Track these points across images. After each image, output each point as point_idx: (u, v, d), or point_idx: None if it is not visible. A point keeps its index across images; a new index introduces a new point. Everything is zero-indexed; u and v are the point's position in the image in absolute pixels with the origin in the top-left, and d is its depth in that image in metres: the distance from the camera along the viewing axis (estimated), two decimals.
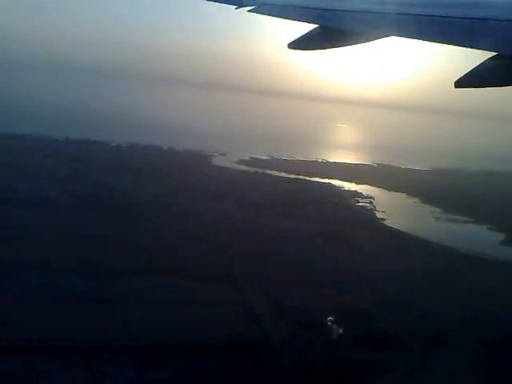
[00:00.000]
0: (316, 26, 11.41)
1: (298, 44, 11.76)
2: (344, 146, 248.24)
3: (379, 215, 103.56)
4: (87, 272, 55.97)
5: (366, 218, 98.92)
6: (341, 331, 51.10)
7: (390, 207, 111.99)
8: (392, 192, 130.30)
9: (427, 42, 9.14)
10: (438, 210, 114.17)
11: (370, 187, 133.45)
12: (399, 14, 10.34)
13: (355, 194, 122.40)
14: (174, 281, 56.82)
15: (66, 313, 47.08)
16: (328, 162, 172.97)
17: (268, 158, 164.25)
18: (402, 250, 79.44)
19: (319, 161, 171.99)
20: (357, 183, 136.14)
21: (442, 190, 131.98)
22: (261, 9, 12.30)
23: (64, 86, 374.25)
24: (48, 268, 55.65)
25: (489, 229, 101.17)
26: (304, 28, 11.67)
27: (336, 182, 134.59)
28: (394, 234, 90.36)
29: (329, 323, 52.65)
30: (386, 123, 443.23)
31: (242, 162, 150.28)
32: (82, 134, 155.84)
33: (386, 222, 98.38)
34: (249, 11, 12.37)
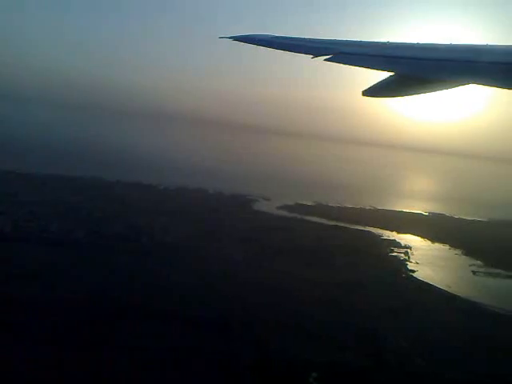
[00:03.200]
0: (391, 73, 11.59)
1: (373, 91, 11.91)
2: (402, 193, 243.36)
3: (410, 266, 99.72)
4: None
5: (393, 269, 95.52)
6: None
7: (425, 258, 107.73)
8: (435, 243, 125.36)
9: (506, 89, 9.10)
10: (478, 263, 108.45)
11: (412, 237, 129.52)
12: (478, 61, 10.67)
13: (392, 243, 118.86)
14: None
15: None
16: (376, 209, 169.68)
17: (313, 203, 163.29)
18: (421, 304, 75.93)
19: (367, 208, 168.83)
20: (399, 232, 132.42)
21: (490, 242, 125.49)
22: (337, 58, 12.57)
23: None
24: None
25: None
26: (379, 76, 11.80)
27: (376, 231, 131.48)
28: (419, 286, 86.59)
29: None
30: (453, 171, 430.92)
31: (284, 207, 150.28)
32: (137, 178, 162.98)
33: (414, 274, 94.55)
34: (325, 60, 12.55)
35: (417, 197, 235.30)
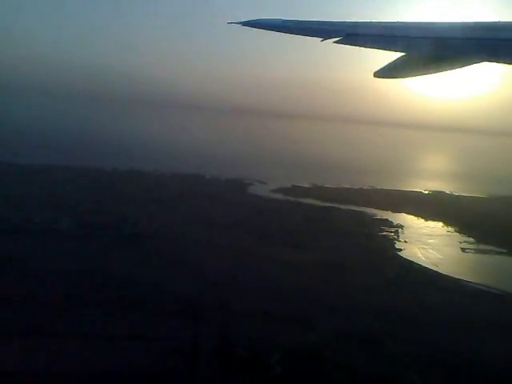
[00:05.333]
0: (402, 54, 11.71)
1: (384, 72, 12.05)
2: (406, 172, 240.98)
3: (397, 245, 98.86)
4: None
5: (379, 249, 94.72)
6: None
7: (415, 237, 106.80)
8: (428, 221, 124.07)
9: None
10: (470, 240, 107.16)
11: (405, 215, 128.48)
12: (491, 39, 10.77)
13: (384, 222, 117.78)
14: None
15: None
16: (375, 189, 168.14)
17: (310, 185, 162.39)
18: (399, 282, 75.31)
19: (365, 188, 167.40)
20: (394, 211, 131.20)
21: (486, 219, 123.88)
22: (347, 40, 12.65)
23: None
24: None
25: None
26: (390, 57, 11.95)
27: (370, 211, 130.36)
28: (401, 265, 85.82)
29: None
30: (463, 149, 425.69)
31: (280, 190, 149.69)
32: (135, 165, 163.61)
33: (400, 253, 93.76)
34: (334, 42, 12.65)
35: (421, 175, 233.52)
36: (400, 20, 14.11)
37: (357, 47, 12.53)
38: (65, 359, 45.50)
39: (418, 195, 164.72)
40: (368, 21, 14.58)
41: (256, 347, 51.76)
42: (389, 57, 11.88)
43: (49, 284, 61.55)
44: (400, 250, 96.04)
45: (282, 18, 16.02)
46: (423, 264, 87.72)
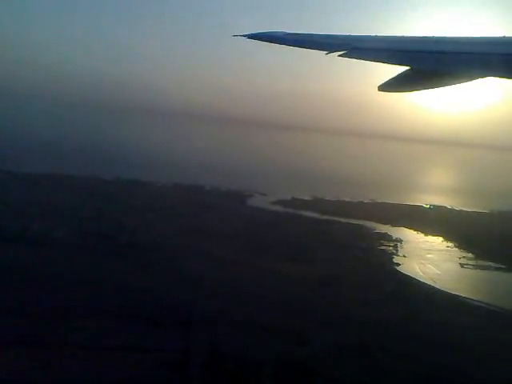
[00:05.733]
0: (407, 68, 11.75)
1: (389, 86, 12.13)
2: (408, 186, 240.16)
3: (396, 260, 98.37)
4: None
5: (377, 263, 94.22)
6: None
7: (414, 251, 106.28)
8: (428, 236, 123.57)
9: None
10: (469, 255, 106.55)
11: (405, 229, 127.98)
12: (496, 54, 10.81)
13: (383, 236, 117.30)
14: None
15: None
16: (376, 202, 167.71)
17: (310, 198, 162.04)
18: (395, 297, 74.74)
19: (365, 202, 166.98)
20: (393, 225, 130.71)
21: (487, 234, 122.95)
22: (351, 53, 12.68)
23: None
24: None
25: None
26: (394, 70, 12.03)
27: (370, 224, 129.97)
28: (399, 280, 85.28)
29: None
30: (466, 163, 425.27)
31: (279, 202, 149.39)
32: (137, 175, 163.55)
33: (398, 268, 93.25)
34: (339, 56, 12.67)
35: (423, 189, 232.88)
36: (404, 34, 14.23)
37: (361, 61, 12.51)
38: (50, 370, 45.10)
39: (419, 209, 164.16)
40: (373, 34, 14.75)
41: (247, 359, 51.40)
42: (393, 71, 11.95)
43: (36, 293, 61.16)
44: (398, 264, 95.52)
45: (286, 31, 16.16)
46: (421, 279, 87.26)
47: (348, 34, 14.96)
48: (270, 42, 15.52)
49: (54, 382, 44.52)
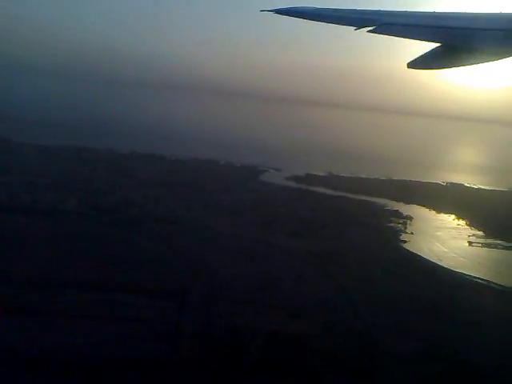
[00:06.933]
0: (438, 44, 11.71)
1: (419, 63, 11.97)
2: (429, 163, 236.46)
3: (403, 237, 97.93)
4: None
5: (384, 240, 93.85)
6: None
7: (423, 229, 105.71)
8: (440, 213, 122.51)
9: None
10: (479, 233, 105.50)
11: (417, 207, 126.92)
12: None
13: (394, 213, 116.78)
14: None
15: None
16: (391, 179, 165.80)
17: (325, 174, 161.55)
18: (397, 274, 74.76)
19: (381, 178, 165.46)
20: (406, 202, 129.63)
21: (500, 212, 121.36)
22: (380, 29, 12.59)
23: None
24: None
25: None
26: (423, 47, 11.86)
27: (382, 201, 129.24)
28: (404, 257, 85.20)
29: None
30: (493, 140, 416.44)
31: (293, 178, 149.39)
32: (152, 149, 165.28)
33: (404, 245, 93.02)
34: (368, 31, 12.61)
35: (444, 167, 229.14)
36: (434, 10, 13.88)
37: (391, 37, 12.28)
38: (46, 337, 46.90)
39: (435, 187, 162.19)
40: (403, 10, 14.33)
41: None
42: (423, 47, 11.68)
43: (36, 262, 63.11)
44: (404, 241, 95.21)
45: (315, 6, 15.77)
46: (425, 256, 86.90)
47: (377, 8, 14.61)
48: (298, 16, 15.29)
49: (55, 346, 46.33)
